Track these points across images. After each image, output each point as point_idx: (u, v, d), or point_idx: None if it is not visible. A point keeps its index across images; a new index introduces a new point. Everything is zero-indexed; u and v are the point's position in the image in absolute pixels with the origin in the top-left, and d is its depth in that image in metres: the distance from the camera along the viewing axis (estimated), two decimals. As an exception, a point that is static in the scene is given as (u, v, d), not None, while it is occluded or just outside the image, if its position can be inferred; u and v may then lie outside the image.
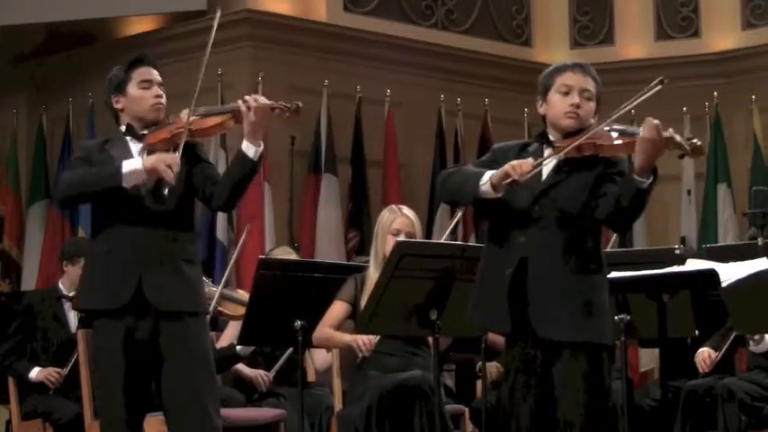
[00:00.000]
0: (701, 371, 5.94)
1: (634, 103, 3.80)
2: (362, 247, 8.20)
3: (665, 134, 3.62)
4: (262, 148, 4.12)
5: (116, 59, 9.11)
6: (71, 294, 6.42)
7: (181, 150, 4.10)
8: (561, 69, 3.94)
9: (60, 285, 6.54)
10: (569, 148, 3.78)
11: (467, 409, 6.03)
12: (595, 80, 3.93)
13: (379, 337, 5.18)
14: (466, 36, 9.46)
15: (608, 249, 5.55)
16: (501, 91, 9.20)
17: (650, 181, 3.65)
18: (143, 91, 4.26)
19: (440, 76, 9.11)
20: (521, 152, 3.93)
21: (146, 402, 4.26)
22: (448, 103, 8.95)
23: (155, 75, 4.31)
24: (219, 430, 4.18)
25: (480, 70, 9.36)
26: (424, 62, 9.08)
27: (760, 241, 6.58)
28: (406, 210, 5.40)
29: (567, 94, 3.88)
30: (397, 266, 4.41)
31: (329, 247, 8.20)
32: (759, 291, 4.33)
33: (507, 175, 3.72)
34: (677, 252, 5.39)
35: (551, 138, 3.91)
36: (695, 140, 3.65)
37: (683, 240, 7.65)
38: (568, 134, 3.86)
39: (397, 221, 5.32)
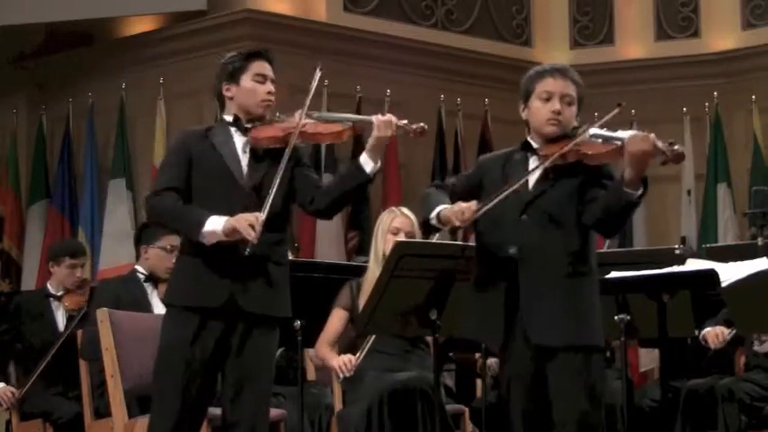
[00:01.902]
0: (713, 346, 5.86)
1: (595, 125, 3.81)
2: (362, 247, 8.20)
3: (650, 140, 3.62)
4: (379, 165, 4.10)
5: (116, 59, 9.17)
6: (59, 294, 6.45)
7: (288, 154, 4.04)
8: (541, 75, 3.94)
9: (48, 285, 6.56)
10: (555, 157, 3.79)
11: (467, 409, 6.04)
12: (576, 83, 3.93)
13: (361, 356, 5.21)
14: (466, 36, 9.46)
15: (608, 249, 5.56)
16: (501, 91, 9.19)
17: (640, 192, 3.67)
18: (257, 84, 4.17)
19: (440, 76, 9.11)
20: (507, 162, 3.96)
21: (205, 402, 4.19)
22: (448, 103, 8.95)
23: (270, 71, 4.22)
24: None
25: (480, 70, 9.36)
26: (424, 62, 9.08)
27: (760, 241, 6.58)
28: (405, 210, 5.46)
29: (547, 100, 3.89)
30: (397, 266, 4.41)
31: (329, 247, 8.20)
32: (759, 291, 4.33)
33: (450, 221, 3.80)
34: (677, 252, 5.39)
35: (534, 144, 3.93)
36: (677, 147, 3.64)
37: (683, 240, 7.65)
38: (551, 140, 3.87)
39: (396, 220, 5.36)
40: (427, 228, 4.00)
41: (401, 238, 5.16)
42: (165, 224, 4.28)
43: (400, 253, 4.42)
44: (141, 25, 8.89)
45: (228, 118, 4.23)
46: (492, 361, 6.55)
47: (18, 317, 6.46)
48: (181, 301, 4.14)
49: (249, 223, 3.95)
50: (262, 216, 3.97)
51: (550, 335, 3.79)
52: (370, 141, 4.09)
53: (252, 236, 3.93)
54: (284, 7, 8.52)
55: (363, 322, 4.65)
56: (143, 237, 6.27)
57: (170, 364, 4.10)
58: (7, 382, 6.35)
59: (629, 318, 4.69)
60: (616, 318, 4.68)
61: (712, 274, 4.47)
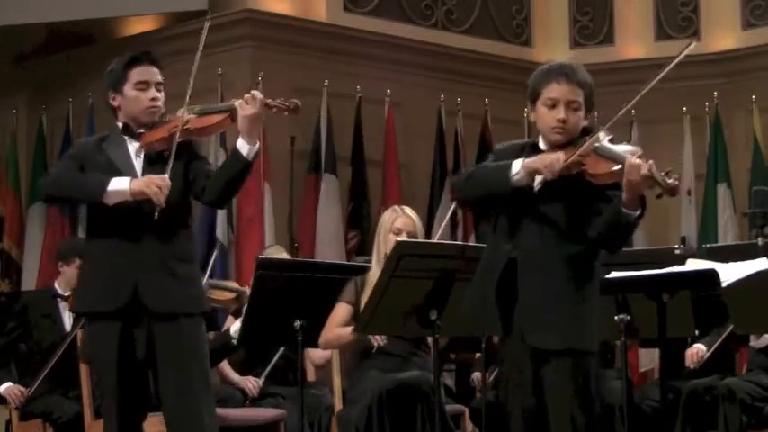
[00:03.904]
0: (687, 365, 5.95)
1: (602, 130, 3.78)
2: (362, 247, 8.21)
3: (644, 172, 3.58)
4: (257, 147, 4.09)
5: (116, 59, 9.14)
6: (67, 294, 6.44)
7: (174, 152, 4.09)
8: (548, 78, 3.85)
9: (56, 285, 6.54)
10: (563, 168, 3.76)
11: (467, 409, 6.04)
12: (583, 85, 3.85)
13: None
14: (466, 36, 9.46)
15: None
16: (501, 91, 9.20)
17: (638, 213, 3.66)
18: (139, 92, 4.21)
19: (440, 76, 9.11)
20: (520, 155, 3.93)
21: (145, 402, 4.25)
22: (448, 103, 8.94)
23: (153, 74, 4.25)
24: (213, 429, 4.17)
25: (480, 70, 9.35)
26: (424, 62, 9.08)
27: (760, 241, 6.58)
28: (408, 210, 5.42)
29: (553, 107, 3.82)
30: (397, 266, 4.41)
31: (329, 247, 8.20)
32: (759, 291, 4.33)
33: (538, 172, 3.74)
34: (677, 252, 5.39)
35: (543, 147, 3.90)
36: (671, 181, 3.58)
37: (683, 240, 7.65)
38: (558, 147, 3.84)
39: (398, 221, 5.33)
40: (489, 201, 3.90)
41: (403, 238, 5.14)
42: (64, 195, 4.24)
43: (400, 253, 4.42)
44: (141, 25, 8.89)
45: (119, 125, 4.26)
46: (476, 375, 6.61)
47: (25, 316, 6.45)
48: (84, 308, 4.22)
49: (157, 185, 4.01)
50: (167, 177, 4.03)
51: (546, 338, 3.79)
52: (239, 123, 4.08)
53: (161, 198, 3.99)
54: (284, 7, 8.52)
55: (364, 322, 4.65)
56: None
57: (103, 374, 4.17)
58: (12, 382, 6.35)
59: (629, 318, 4.69)
60: (616, 318, 4.69)
61: (712, 274, 4.47)
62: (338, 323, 5.25)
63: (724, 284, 4.39)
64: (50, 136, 9.11)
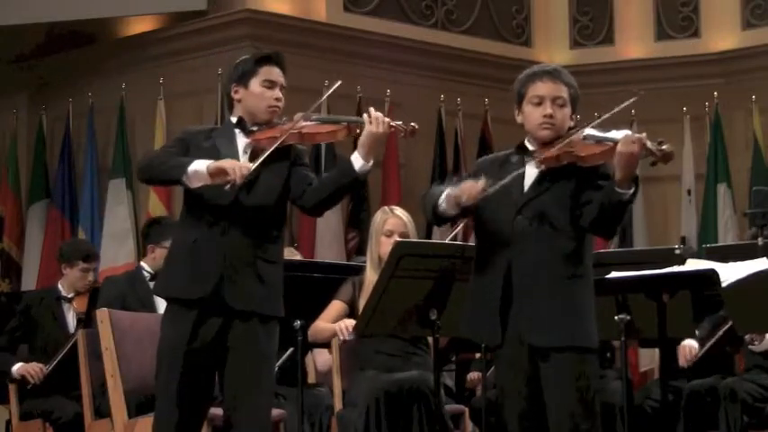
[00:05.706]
0: (681, 363, 5.94)
1: (591, 125, 3.83)
2: (362, 248, 8.19)
3: (638, 142, 3.64)
4: (370, 165, 4.06)
5: (116, 59, 9.16)
6: (70, 296, 6.43)
7: (269, 151, 4.05)
8: (532, 78, 3.94)
9: (59, 286, 6.52)
10: (548, 156, 3.80)
11: (467, 409, 6.04)
12: (568, 84, 3.93)
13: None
14: (466, 36, 9.46)
15: (608, 249, 5.56)
16: (501, 91, 9.14)
17: (632, 191, 3.69)
18: (265, 89, 4.20)
19: (440, 76, 9.12)
20: (504, 164, 3.98)
21: (205, 399, 4.20)
22: (448, 103, 8.95)
23: (280, 76, 4.26)
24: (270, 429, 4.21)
25: (480, 70, 9.35)
26: (424, 62, 9.08)
27: (760, 241, 6.57)
28: (398, 210, 5.42)
29: (539, 104, 3.90)
30: (397, 267, 4.41)
31: (329, 247, 8.20)
32: (759, 291, 4.33)
33: (459, 199, 3.82)
34: (677, 252, 5.39)
35: (530, 147, 3.95)
36: (665, 147, 3.66)
37: (683, 240, 7.64)
38: (546, 143, 3.89)
39: (389, 222, 5.33)
40: (437, 218, 4.00)
41: (395, 239, 5.12)
42: (152, 176, 4.21)
43: (400, 253, 4.42)
44: (141, 25, 8.88)
45: (233, 119, 4.25)
46: (474, 374, 6.61)
47: (27, 316, 6.43)
48: (164, 292, 4.20)
49: (238, 166, 3.98)
50: (250, 165, 4.00)
51: (544, 336, 3.81)
52: (362, 138, 4.06)
53: (237, 175, 3.94)
54: (284, 7, 8.52)
55: (364, 323, 4.65)
56: (152, 234, 6.22)
57: (169, 360, 4.12)
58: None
59: (629, 318, 4.69)
60: (616, 318, 4.68)
61: (712, 275, 4.47)
62: (329, 320, 5.26)
63: (724, 284, 4.39)
64: (50, 136, 9.10)
